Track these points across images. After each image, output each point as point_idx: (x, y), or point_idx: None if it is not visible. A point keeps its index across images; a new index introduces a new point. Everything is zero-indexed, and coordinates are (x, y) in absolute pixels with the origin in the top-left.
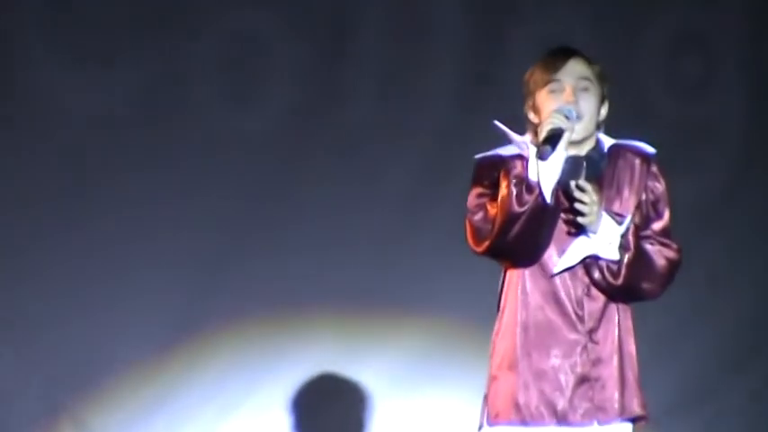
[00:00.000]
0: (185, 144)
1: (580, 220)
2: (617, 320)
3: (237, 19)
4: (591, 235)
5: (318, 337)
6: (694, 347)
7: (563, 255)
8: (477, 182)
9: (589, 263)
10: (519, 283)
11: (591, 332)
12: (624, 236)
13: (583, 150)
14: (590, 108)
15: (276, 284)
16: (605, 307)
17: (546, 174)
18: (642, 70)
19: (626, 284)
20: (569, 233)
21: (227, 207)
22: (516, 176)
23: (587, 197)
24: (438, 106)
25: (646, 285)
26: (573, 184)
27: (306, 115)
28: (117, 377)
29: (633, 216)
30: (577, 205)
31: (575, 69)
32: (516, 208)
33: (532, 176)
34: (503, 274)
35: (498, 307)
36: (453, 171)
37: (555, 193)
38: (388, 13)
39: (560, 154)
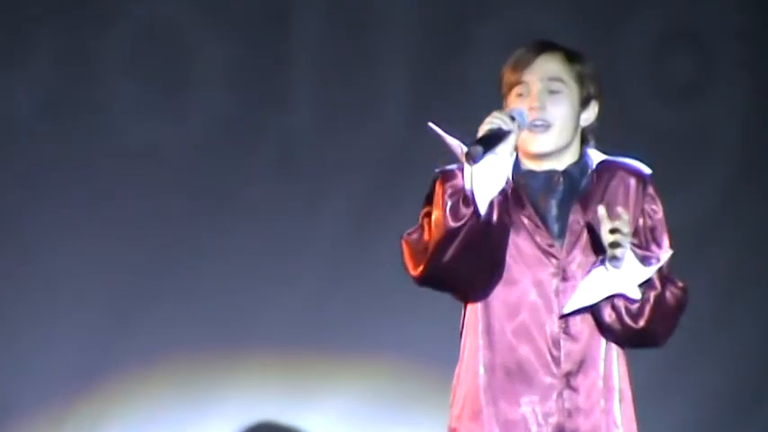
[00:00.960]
0: (95, 156)
1: (616, 252)
2: (603, 364)
3: (159, 12)
4: (611, 269)
5: (254, 382)
6: (694, 388)
7: (576, 291)
8: (428, 200)
9: (601, 303)
10: (482, 319)
11: (568, 376)
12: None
13: (561, 164)
14: (561, 114)
15: (205, 322)
16: (587, 348)
17: (481, 181)
18: (625, 72)
19: (646, 328)
20: (541, 261)
21: (146, 233)
22: (453, 186)
23: (624, 225)
24: (390, 113)
25: (662, 330)
26: (600, 209)
27: (236, 123)
28: (21, 424)
29: (636, 246)
30: (607, 236)
31: (544, 68)
32: (451, 223)
33: (467, 185)
34: (463, 309)
35: (460, 348)
36: (408, 188)
37: (497, 205)
38: (332, 5)
39: (503, 159)
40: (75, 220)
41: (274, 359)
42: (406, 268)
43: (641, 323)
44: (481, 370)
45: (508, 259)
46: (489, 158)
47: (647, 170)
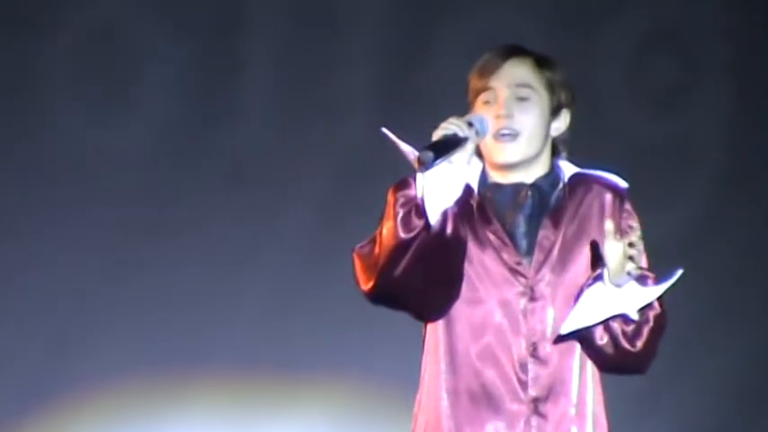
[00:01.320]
0: (39, 165)
1: (632, 268)
2: (576, 390)
3: (106, 15)
4: (612, 287)
5: (209, 403)
6: (673, 409)
7: (573, 310)
8: (385, 208)
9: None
10: (444, 341)
11: (536, 402)
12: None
13: (530, 177)
14: (530, 123)
15: (154, 341)
16: (558, 372)
17: (432, 189)
18: (603, 77)
19: (644, 351)
20: (507, 280)
21: (91, 248)
22: (405, 196)
23: (638, 240)
24: (349, 120)
25: (654, 353)
26: (609, 224)
27: (188, 131)
28: None
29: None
30: (617, 252)
31: (511, 74)
32: (402, 234)
33: (418, 193)
34: (423, 330)
35: (420, 371)
36: (368, 199)
37: (451, 217)
38: (289, 7)
39: (459, 168)
40: (16, 232)
41: (230, 379)
42: (357, 283)
43: (639, 345)
44: (444, 395)
45: (473, 278)
46: (443, 167)
47: (623, 184)
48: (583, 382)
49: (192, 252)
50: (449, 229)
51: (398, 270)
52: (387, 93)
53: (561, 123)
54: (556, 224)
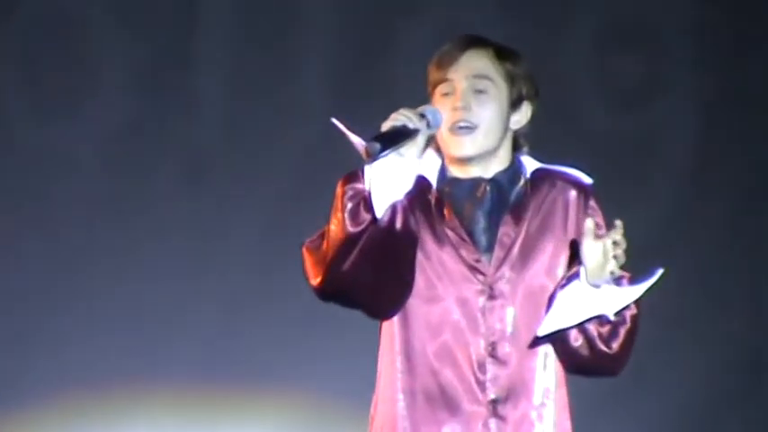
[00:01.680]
0: None
1: (616, 268)
2: (539, 394)
3: (58, 12)
4: (589, 288)
5: (162, 416)
6: (637, 416)
7: (550, 312)
8: (334, 201)
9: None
10: (400, 340)
11: (495, 404)
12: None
13: (488, 172)
14: (487, 115)
15: (104, 351)
16: (519, 374)
17: (380, 182)
18: (567, 71)
19: (619, 353)
20: (466, 277)
21: (34, 251)
22: (354, 189)
23: (622, 238)
24: (307, 119)
25: (628, 355)
26: (587, 222)
27: (141, 131)
28: None
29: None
30: (597, 250)
31: (469, 65)
32: (350, 228)
33: (366, 186)
34: (379, 329)
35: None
36: (328, 199)
37: (401, 211)
38: (245, 5)
39: (409, 161)
40: None
41: (182, 391)
42: (306, 278)
43: (615, 347)
44: (399, 396)
45: (431, 275)
46: (393, 159)
47: (587, 180)
48: (545, 385)
49: (147, 253)
50: (398, 224)
51: (347, 264)
52: (344, 90)
53: (522, 116)
54: (517, 220)
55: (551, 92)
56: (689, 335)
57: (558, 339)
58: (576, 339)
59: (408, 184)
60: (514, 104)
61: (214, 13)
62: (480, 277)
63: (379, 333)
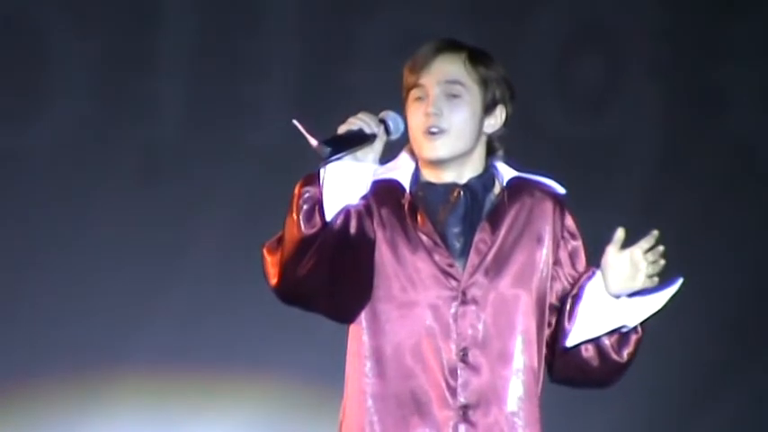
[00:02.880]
0: None
1: (644, 282)
2: (513, 403)
3: (12, 9)
4: (609, 297)
5: (129, 407)
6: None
7: (576, 321)
8: (290, 202)
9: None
10: (370, 344)
11: (466, 409)
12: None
13: (462, 177)
14: (460, 120)
15: (68, 345)
16: (491, 380)
17: (332, 185)
18: (527, 75)
19: (628, 362)
20: (439, 282)
21: None
22: (309, 191)
23: (651, 244)
24: (266, 120)
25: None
26: (617, 232)
27: (99, 130)
28: None
29: (555, 274)
30: (641, 258)
31: (442, 70)
32: (305, 230)
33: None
34: (347, 332)
35: (345, 375)
36: (285, 200)
37: (355, 215)
38: (204, 6)
39: (364, 166)
40: None
41: (149, 383)
42: (266, 279)
43: (625, 356)
44: (369, 401)
45: (403, 279)
46: (348, 163)
47: (561, 190)
48: (518, 394)
49: (106, 252)
50: (352, 228)
51: (302, 267)
52: (306, 90)
53: (496, 120)
54: (494, 228)
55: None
56: (656, 333)
57: (569, 351)
58: (587, 350)
59: (364, 189)
60: (488, 108)
61: (174, 13)
62: (453, 282)
63: (348, 333)
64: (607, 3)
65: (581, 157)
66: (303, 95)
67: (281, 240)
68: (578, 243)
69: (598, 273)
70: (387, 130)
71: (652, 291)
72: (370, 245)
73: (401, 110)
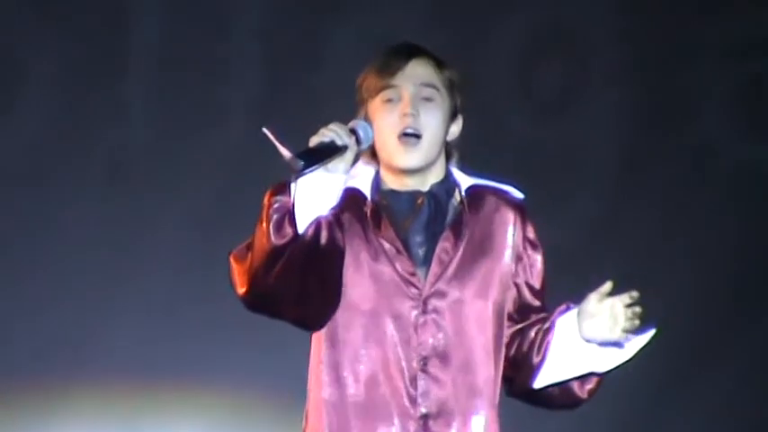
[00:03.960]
0: None
1: (619, 336)
2: (471, 411)
3: None
4: (582, 341)
5: (85, 418)
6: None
7: (546, 362)
8: (260, 212)
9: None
10: (331, 352)
11: (426, 419)
12: None
13: (425, 184)
14: (433, 124)
15: (26, 352)
16: (452, 390)
17: (304, 196)
18: (489, 79)
19: (588, 399)
20: (400, 291)
21: None
22: (280, 201)
23: (633, 300)
24: (235, 123)
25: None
26: (605, 285)
27: (65, 134)
28: None
29: (514, 285)
30: (621, 312)
31: (416, 73)
32: (275, 240)
33: (292, 200)
34: (311, 338)
35: (307, 383)
36: (254, 203)
37: (326, 226)
38: (171, 11)
39: (335, 177)
40: None
41: (107, 391)
42: (233, 288)
43: (587, 393)
44: (330, 409)
45: (365, 287)
46: (320, 174)
47: (519, 195)
48: (478, 403)
49: (71, 254)
50: (323, 239)
51: (271, 276)
52: (273, 95)
53: (457, 127)
54: (456, 238)
55: (474, 101)
56: None
57: (515, 381)
58: (561, 388)
59: (335, 200)
60: (453, 115)
61: (141, 17)
62: (414, 291)
63: (311, 341)
64: (569, 6)
65: (542, 160)
66: (270, 99)
67: (249, 248)
68: (539, 254)
69: (572, 311)
70: (357, 140)
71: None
72: (340, 255)
73: (355, 114)
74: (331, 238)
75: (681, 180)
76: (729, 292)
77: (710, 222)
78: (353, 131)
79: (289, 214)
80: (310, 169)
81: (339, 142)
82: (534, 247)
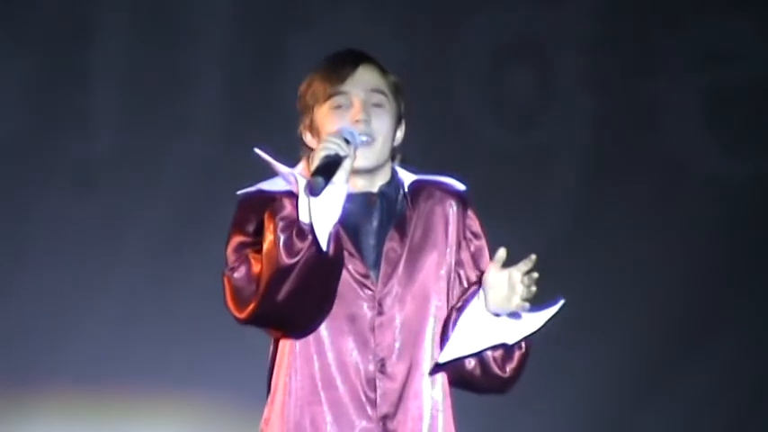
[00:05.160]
0: None
1: (516, 306)
2: (426, 405)
3: None
4: (489, 315)
5: (52, 425)
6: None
7: (450, 339)
8: (237, 227)
9: None
10: (291, 356)
11: (385, 419)
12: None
13: (375, 185)
14: (384, 129)
15: None
16: (407, 387)
17: (320, 213)
18: (459, 85)
19: (512, 376)
20: (355, 293)
21: None
22: (285, 219)
23: (529, 267)
24: (199, 132)
25: (519, 377)
26: (499, 252)
27: (30, 144)
28: None
29: (456, 276)
30: (518, 280)
31: (365, 79)
32: (285, 260)
33: (304, 218)
34: (273, 346)
35: (268, 388)
36: (219, 213)
37: (334, 238)
38: (140, 16)
39: (340, 188)
40: None
41: (73, 399)
42: (228, 308)
43: (509, 371)
44: (290, 411)
45: None
46: (327, 188)
47: (461, 187)
48: (434, 397)
49: (37, 264)
50: (331, 250)
51: (281, 295)
52: (240, 103)
53: (401, 132)
54: (401, 235)
55: (445, 108)
56: (575, 347)
57: (452, 364)
58: (470, 362)
59: (339, 210)
60: (399, 119)
61: (108, 26)
62: (369, 293)
63: (271, 347)
64: (538, 14)
65: (512, 167)
66: (235, 107)
67: (245, 267)
68: (482, 242)
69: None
70: (353, 148)
71: (533, 310)
72: (342, 264)
73: (293, 123)
74: (338, 248)
75: (650, 187)
76: (698, 302)
77: (680, 231)
78: (346, 140)
79: (297, 231)
80: (327, 184)
81: (342, 153)
82: (477, 236)
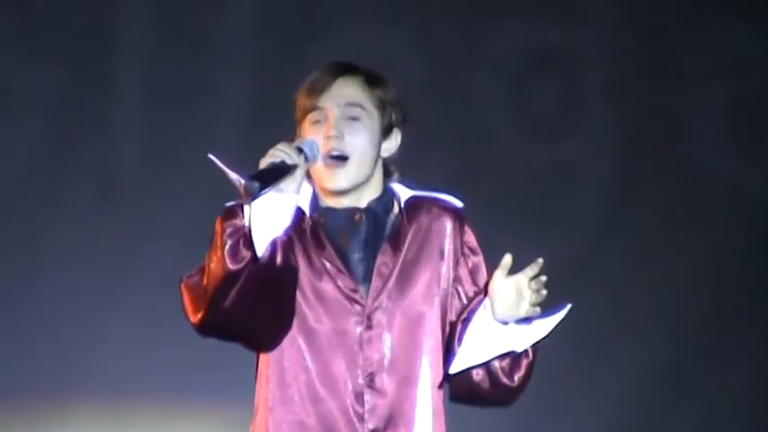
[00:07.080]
0: None
1: (526, 311)
2: (417, 422)
3: None
4: (497, 324)
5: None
6: None
7: (461, 346)
8: (213, 237)
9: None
10: (276, 371)
11: None
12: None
13: (362, 201)
14: (360, 144)
15: (7, 371)
16: (397, 403)
17: (260, 220)
18: (482, 98)
19: (520, 386)
20: (344, 308)
21: None
22: (233, 225)
23: (536, 272)
24: (223, 142)
25: (525, 388)
26: (505, 258)
27: (55, 153)
28: None
29: (455, 292)
30: (525, 286)
31: (341, 93)
32: (230, 266)
33: (246, 224)
34: (256, 358)
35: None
36: None
37: (281, 246)
38: (159, 28)
39: (287, 197)
40: None
41: (99, 412)
42: (185, 314)
43: (516, 380)
44: (276, 427)
45: (307, 306)
46: (272, 195)
47: (458, 204)
48: (425, 414)
49: (62, 273)
50: (279, 260)
51: (228, 302)
52: (263, 113)
53: (392, 143)
54: (395, 250)
55: (467, 120)
56: (602, 356)
57: (458, 375)
58: (478, 374)
59: (288, 220)
60: (386, 132)
61: (132, 37)
62: (358, 307)
63: (257, 362)
64: (563, 27)
65: (537, 181)
66: (256, 120)
67: (200, 274)
68: (479, 258)
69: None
70: (305, 158)
71: (541, 316)
72: (295, 275)
73: (294, 135)
74: (286, 258)
75: (676, 197)
76: (724, 310)
77: (707, 240)
78: (300, 150)
79: (244, 238)
80: (265, 191)
81: (289, 161)
82: (474, 252)
